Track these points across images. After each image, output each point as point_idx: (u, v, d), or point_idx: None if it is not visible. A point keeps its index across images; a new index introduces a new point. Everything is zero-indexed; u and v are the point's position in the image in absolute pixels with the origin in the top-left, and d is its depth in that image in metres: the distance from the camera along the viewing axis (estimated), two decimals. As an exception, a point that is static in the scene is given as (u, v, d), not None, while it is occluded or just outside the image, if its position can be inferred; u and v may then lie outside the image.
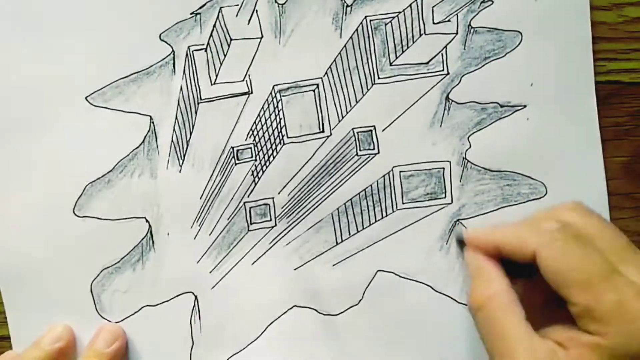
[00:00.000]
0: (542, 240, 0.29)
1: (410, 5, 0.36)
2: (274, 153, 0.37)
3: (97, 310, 0.37)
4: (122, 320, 0.37)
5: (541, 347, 0.28)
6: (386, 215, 0.37)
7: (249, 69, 0.36)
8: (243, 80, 0.36)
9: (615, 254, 0.29)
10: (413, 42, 0.36)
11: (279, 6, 0.36)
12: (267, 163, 0.37)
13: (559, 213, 0.31)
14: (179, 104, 0.36)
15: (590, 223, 0.30)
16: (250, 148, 0.37)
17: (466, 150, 0.37)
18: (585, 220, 0.30)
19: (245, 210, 0.37)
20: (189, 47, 0.36)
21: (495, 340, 0.29)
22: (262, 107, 0.36)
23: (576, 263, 0.28)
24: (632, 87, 0.37)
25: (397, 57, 0.36)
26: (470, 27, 0.36)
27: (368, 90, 0.36)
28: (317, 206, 0.37)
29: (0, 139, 0.36)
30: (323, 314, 0.37)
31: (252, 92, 0.36)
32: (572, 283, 0.28)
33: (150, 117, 0.36)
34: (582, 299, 0.28)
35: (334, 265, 0.37)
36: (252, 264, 0.37)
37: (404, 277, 0.37)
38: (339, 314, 0.37)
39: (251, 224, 0.37)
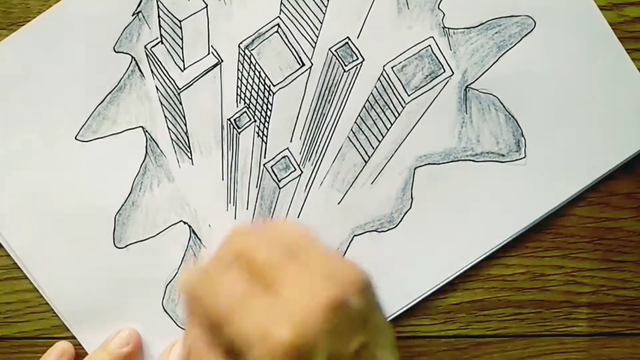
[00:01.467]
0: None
1: None
2: (269, 106, 0.36)
3: (177, 325, 0.37)
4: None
5: None
6: (399, 114, 0.37)
7: (209, 40, 0.36)
8: (209, 54, 0.36)
9: None
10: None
11: (208, -30, 0.35)
12: (267, 118, 0.36)
13: None
14: (161, 102, 0.36)
15: None
16: (245, 112, 0.36)
17: (442, 19, 0.36)
18: None
19: (268, 170, 0.37)
20: (144, 46, 0.36)
21: None
22: (238, 69, 0.36)
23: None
24: None
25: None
26: None
27: (326, 6, 0.36)
28: (331, 136, 0.37)
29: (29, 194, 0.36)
30: (383, 231, 0.37)
31: (222, 61, 0.36)
32: None
33: (142, 127, 0.36)
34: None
35: (372, 182, 0.37)
36: (298, 216, 0.37)
37: (442, 163, 0.37)
38: (396, 225, 0.37)
39: (279, 181, 0.37)
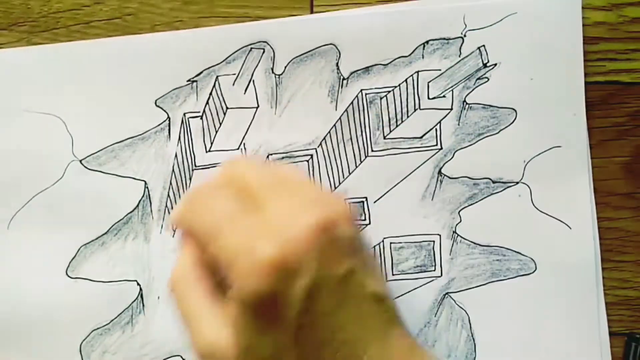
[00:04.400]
0: None
1: (406, 80, 0.36)
2: (266, 221, 0.37)
3: (86, 370, 0.37)
4: (110, 381, 0.37)
5: (220, 317, 0.25)
6: (375, 286, 0.37)
7: (244, 137, 0.36)
8: (238, 149, 0.37)
9: None
10: (407, 117, 0.36)
11: (275, 77, 0.36)
12: (259, 230, 0.37)
13: None
14: (173, 170, 0.37)
15: None
16: (243, 215, 0.37)
17: (457, 225, 0.37)
18: None
19: (236, 276, 0.37)
20: (184, 114, 0.36)
21: (185, 319, 0.27)
22: (256, 176, 0.37)
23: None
24: (632, 87, 0.37)
25: (391, 131, 0.36)
26: (465, 103, 0.36)
27: (361, 162, 0.37)
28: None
29: (2, 197, 0.36)
30: None
31: (246, 160, 0.37)
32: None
33: (145, 182, 0.37)
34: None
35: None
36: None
37: (391, 349, 0.37)
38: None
39: (241, 289, 0.37)
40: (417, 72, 0.36)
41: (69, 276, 0.37)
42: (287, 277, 0.23)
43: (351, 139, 0.37)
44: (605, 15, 0.37)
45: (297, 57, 0.36)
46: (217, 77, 0.36)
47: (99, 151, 0.36)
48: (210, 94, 0.36)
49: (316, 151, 0.37)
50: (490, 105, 0.36)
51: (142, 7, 0.36)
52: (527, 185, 0.37)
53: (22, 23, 0.36)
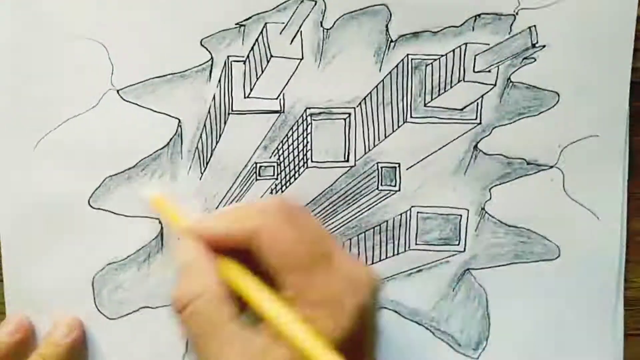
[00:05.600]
0: (261, 221, 0.28)
1: (453, 50, 0.36)
2: (296, 175, 0.37)
3: (95, 304, 0.37)
4: (118, 318, 0.37)
5: (254, 343, 0.27)
6: (397, 254, 0.37)
7: (284, 88, 0.36)
8: (277, 99, 0.36)
9: (322, 240, 0.29)
10: (451, 87, 0.36)
11: (324, 31, 0.36)
12: (288, 184, 0.37)
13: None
14: (209, 112, 0.36)
15: (298, 210, 0.30)
16: (273, 166, 0.37)
17: (486, 202, 0.37)
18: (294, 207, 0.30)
19: (259, 226, 0.37)
20: (228, 56, 0.36)
21: (204, 339, 0.27)
22: (292, 128, 0.36)
23: (292, 247, 0.28)
24: (632, 87, 0.37)
25: (432, 99, 0.36)
26: (509, 80, 0.36)
27: (399, 127, 0.36)
28: (333, 233, 0.37)
29: (33, 117, 0.36)
30: (319, 341, 0.37)
31: (283, 111, 0.36)
32: (286, 266, 0.27)
33: (179, 120, 0.36)
34: (294, 282, 0.27)
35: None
36: (257, 281, 0.37)
37: (407, 318, 0.37)
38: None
39: (262, 241, 0.37)
40: (466, 43, 0.36)
41: (91, 206, 0.36)
42: None
43: (391, 102, 0.36)
44: None
45: (347, 13, 0.36)
46: (265, 23, 0.36)
47: (137, 83, 0.36)
48: (257, 39, 0.36)
49: (355, 110, 0.36)
50: (534, 86, 0.36)
51: None
52: (561, 171, 0.37)
53: None
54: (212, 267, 0.29)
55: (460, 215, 0.37)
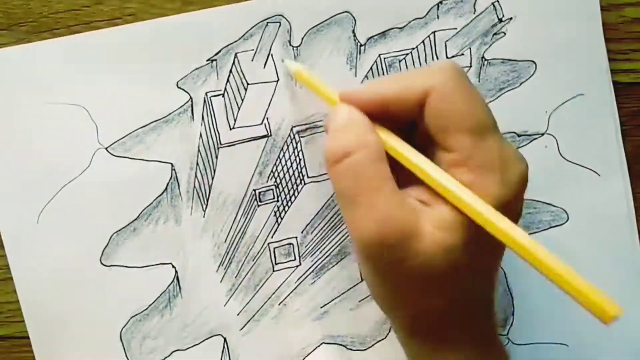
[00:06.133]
0: (436, 80, 0.27)
1: (422, 41, 0.36)
2: (296, 193, 0.37)
3: (127, 358, 0.37)
4: (153, 367, 0.37)
5: (403, 203, 0.26)
6: (409, 250, 0.37)
7: (267, 112, 0.37)
8: (262, 124, 0.37)
9: (489, 109, 0.28)
10: (428, 77, 0.36)
11: (293, 49, 0.36)
12: (289, 203, 0.37)
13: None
14: (199, 150, 0.37)
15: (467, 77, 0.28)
16: (272, 189, 0.37)
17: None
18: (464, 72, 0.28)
19: (270, 250, 0.37)
20: (206, 93, 0.36)
21: (357, 190, 0.26)
22: (282, 149, 0.37)
23: (467, 107, 0.27)
24: (632, 87, 0.37)
25: (412, 93, 0.37)
26: (484, 59, 0.36)
27: (385, 126, 0.37)
28: (340, 243, 0.37)
29: (30, 191, 0.36)
30: (352, 349, 0.37)
31: (271, 135, 0.37)
32: (459, 127, 0.26)
33: (172, 164, 0.37)
34: (465, 144, 0.26)
35: (359, 301, 0.37)
36: (279, 304, 0.37)
37: (431, 311, 0.37)
38: (367, 348, 0.38)
39: (276, 264, 0.37)
40: (434, 32, 0.36)
41: (103, 264, 0.37)
42: None
43: (373, 104, 0.37)
44: (605, 15, 0.37)
45: (313, 27, 0.36)
46: (235, 54, 0.36)
47: (123, 137, 0.36)
48: (230, 71, 0.36)
49: (339, 119, 0.37)
50: (509, 60, 0.36)
51: (143, 7, 0.37)
52: (553, 136, 0.37)
53: (22, 23, 0.36)
54: (371, 126, 0.28)
55: (464, 200, 0.37)
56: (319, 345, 0.37)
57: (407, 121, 0.29)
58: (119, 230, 0.37)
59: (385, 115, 0.28)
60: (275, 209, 0.37)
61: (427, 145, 0.28)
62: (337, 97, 0.30)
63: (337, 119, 0.28)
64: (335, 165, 0.27)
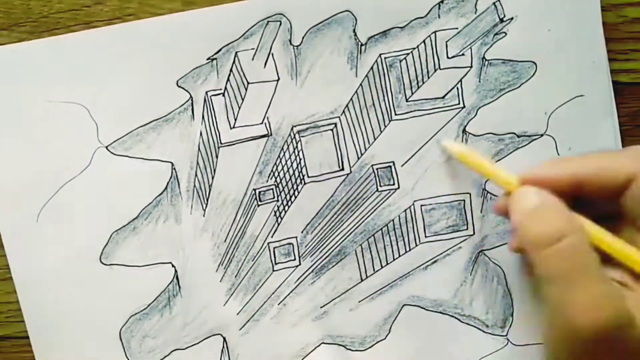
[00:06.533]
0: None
1: (424, 41, 0.36)
2: (296, 193, 0.37)
3: (127, 357, 0.37)
4: (152, 365, 0.37)
5: (615, 288, 0.27)
6: (409, 250, 0.37)
7: (267, 111, 0.36)
8: (262, 123, 0.37)
9: None
10: (428, 77, 0.36)
11: (294, 48, 0.36)
12: (289, 203, 0.37)
13: None
14: (199, 149, 0.37)
15: None
16: (272, 189, 0.37)
17: (485, 182, 0.37)
18: None
19: (270, 250, 0.37)
20: (206, 92, 0.36)
21: (574, 273, 0.26)
22: (282, 149, 0.37)
23: None
24: (631, 87, 0.37)
25: (412, 93, 0.37)
26: (484, 59, 0.36)
27: (385, 126, 0.37)
28: (340, 243, 0.37)
29: (29, 191, 0.36)
30: (351, 349, 0.38)
31: (271, 134, 0.37)
32: None
33: (172, 163, 0.37)
34: None
35: (359, 301, 0.38)
36: (279, 304, 0.37)
37: (430, 310, 0.37)
38: (366, 349, 0.38)
39: (276, 264, 0.37)
40: (435, 32, 0.36)
41: (103, 263, 0.37)
42: None
43: (374, 104, 0.37)
44: (605, 15, 0.37)
45: (313, 26, 0.36)
46: (236, 53, 0.36)
47: (124, 136, 0.36)
48: (231, 70, 0.36)
49: (340, 119, 0.37)
50: (510, 60, 0.36)
51: (143, 7, 0.36)
52: (552, 137, 0.37)
53: (22, 23, 0.36)
54: (568, 210, 0.28)
55: (464, 200, 0.37)
56: (318, 345, 0.37)
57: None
58: (119, 229, 0.37)
59: (573, 195, 0.29)
60: (275, 208, 0.37)
61: (606, 218, 0.29)
62: (514, 179, 0.31)
63: (526, 203, 0.29)
64: (547, 248, 0.27)
